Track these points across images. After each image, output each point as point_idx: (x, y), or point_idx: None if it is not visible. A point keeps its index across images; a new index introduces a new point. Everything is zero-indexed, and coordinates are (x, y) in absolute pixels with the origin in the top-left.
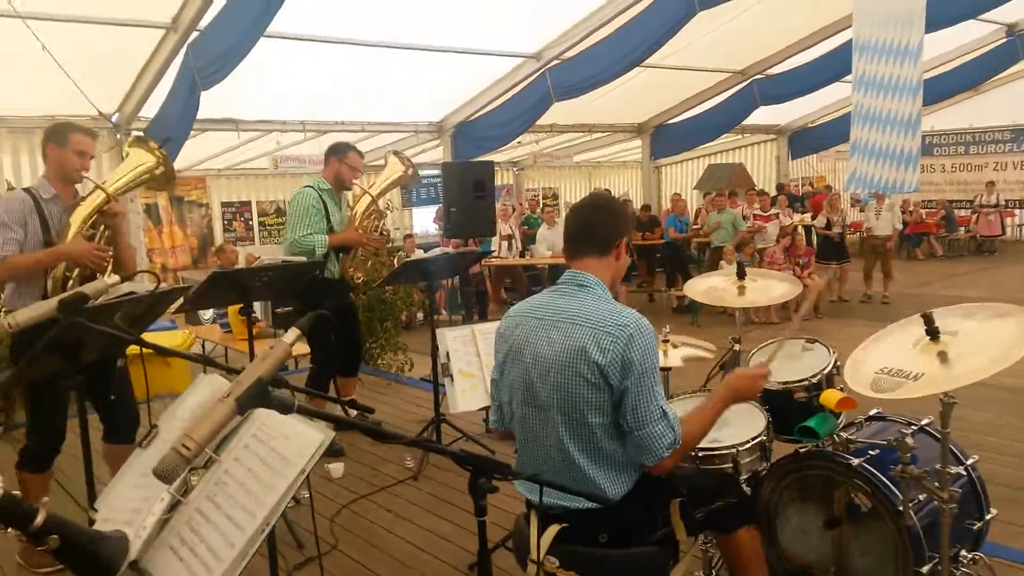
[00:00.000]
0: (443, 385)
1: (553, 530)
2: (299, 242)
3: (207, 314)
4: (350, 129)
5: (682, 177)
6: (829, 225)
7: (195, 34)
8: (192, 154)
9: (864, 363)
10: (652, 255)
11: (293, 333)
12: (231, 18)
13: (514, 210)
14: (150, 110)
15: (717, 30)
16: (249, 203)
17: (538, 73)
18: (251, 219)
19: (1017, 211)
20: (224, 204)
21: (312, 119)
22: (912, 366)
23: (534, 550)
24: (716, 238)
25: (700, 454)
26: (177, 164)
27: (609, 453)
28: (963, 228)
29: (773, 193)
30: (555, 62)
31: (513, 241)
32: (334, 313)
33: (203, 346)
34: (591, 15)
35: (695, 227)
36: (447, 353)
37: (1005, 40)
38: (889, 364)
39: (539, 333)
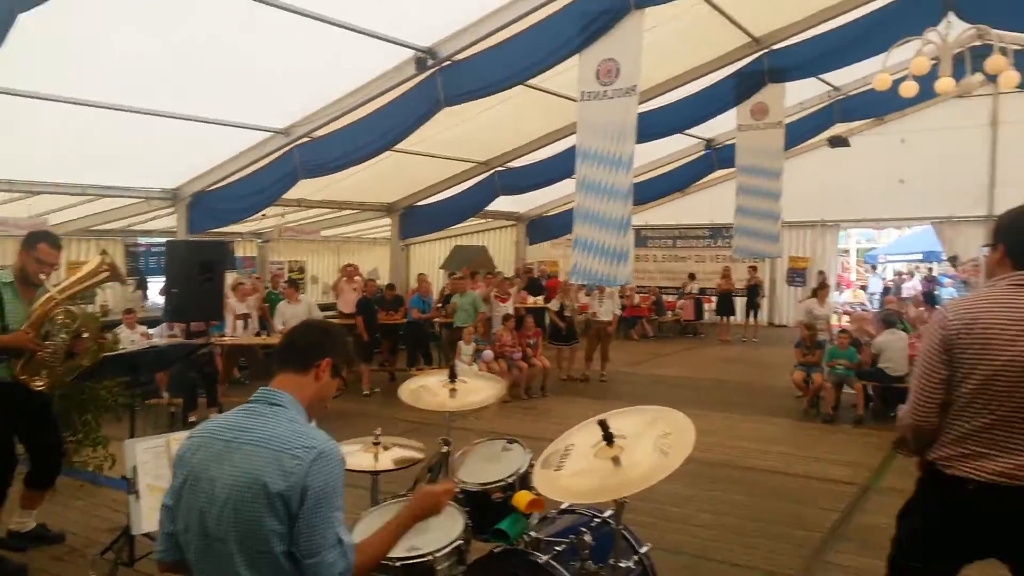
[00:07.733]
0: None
1: None
2: None
3: None
4: (67, 191)
5: (429, 256)
6: (562, 309)
7: None
8: None
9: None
10: (395, 334)
11: None
12: None
13: (255, 291)
14: None
15: (463, 124)
16: None
17: (285, 149)
18: None
19: (713, 298)
20: None
21: (22, 179)
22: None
23: None
24: (457, 319)
25: (398, 563)
26: None
27: None
28: (670, 312)
29: (511, 274)
30: (304, 139)
31: (249, 320)
32: (18, 418)
33: None
34: (344, 97)
35: (438, 306)
36: (134, 468)
37: (704, 152)
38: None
39: (221, 457)
